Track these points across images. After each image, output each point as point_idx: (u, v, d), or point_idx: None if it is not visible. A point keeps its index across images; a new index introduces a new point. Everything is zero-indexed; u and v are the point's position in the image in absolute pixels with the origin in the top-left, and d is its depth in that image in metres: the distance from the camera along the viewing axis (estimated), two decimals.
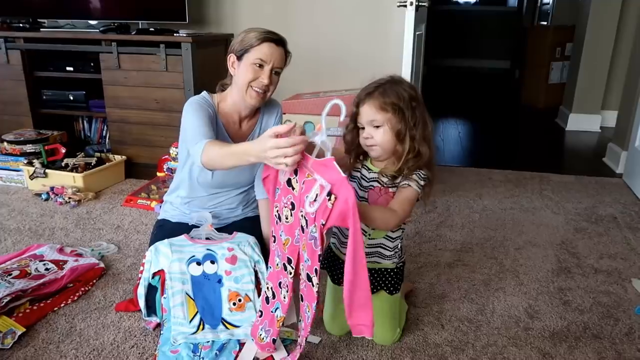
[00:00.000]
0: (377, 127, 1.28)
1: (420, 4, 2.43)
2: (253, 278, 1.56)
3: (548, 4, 5.84)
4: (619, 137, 3.21)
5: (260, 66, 1.58)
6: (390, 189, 1.33)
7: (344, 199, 1.07)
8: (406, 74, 2.44)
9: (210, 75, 2.82)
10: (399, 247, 1.42)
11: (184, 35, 2.65)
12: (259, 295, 1.55)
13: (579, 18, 4.24)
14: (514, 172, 3.08)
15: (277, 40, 1.60)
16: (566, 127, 4.25)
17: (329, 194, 1.10)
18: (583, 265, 1.96)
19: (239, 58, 1.61)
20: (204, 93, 1.70)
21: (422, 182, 1.30)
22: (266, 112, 1.77)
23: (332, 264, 1.49)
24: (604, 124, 4.16)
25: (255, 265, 1.58)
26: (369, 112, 1.28)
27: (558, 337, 1.53)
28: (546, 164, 3.27)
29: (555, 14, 5.58)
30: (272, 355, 1.42)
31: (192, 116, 1.56)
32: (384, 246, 1.40)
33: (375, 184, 1.35)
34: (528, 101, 5.24)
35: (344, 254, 1.41)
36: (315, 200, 1.13)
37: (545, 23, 5.94)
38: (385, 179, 1.33)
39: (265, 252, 1.69)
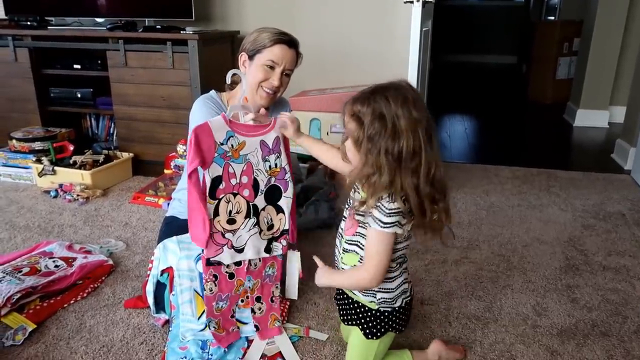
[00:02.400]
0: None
1: (426, 0, 2.42)
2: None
3: None
4: (627, 133, 3.19)
5: (272, 67, 1.59)
6: (356, 216, 1.15)
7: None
8: (413, 70, 2.44)
9: (217, 72, 2.82)
10: (377, 288, 1.20)
11: (191, 32, 2.65)
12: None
13: (587, 13, 4.20)
14: (521, 168, 3.07)
15: (290, 42, 1.60)
16: (574, 123, 4.22)
17: None
18: (591, 263, 1.96)
19: (251, 57, 1.61)
20: (213, 92, 1.71)
21: (386, 219, 1.08)
22: (275, 110, 1.77)
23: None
24: (612, 119, 4.13)
25: None
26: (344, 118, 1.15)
27: (566, 334, 1.53)
28: (554, 161, 3.25)
29: (562, 9, 5.54)
30: (280, 352, 1.42)
31: None
32: None
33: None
34: (535, 97, 5.20)
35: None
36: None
37: (552, 18, 5.90)
38: (356, 197, 1.16)
39: None
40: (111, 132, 3.14)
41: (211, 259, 1.39)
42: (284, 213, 1.49)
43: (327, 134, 2.78)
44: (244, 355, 1.41)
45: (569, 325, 1.57)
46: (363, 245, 1.17)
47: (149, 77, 2.71)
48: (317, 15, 2.97)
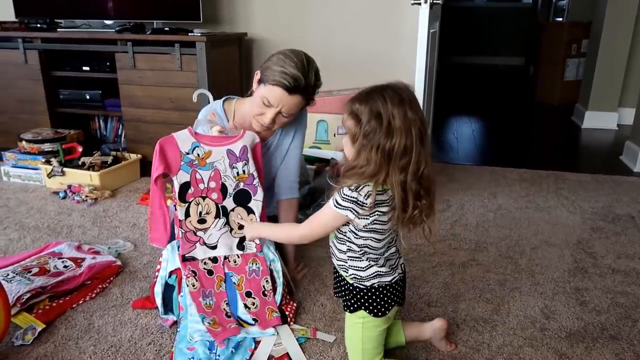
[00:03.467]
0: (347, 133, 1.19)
1: (434, 1, 2.42)
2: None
3: None
4: (636, 135, 3.16)
5: (268, 105, 1.56)
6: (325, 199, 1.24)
7: None
8: (420, 72, 2.43)
9: (224, 74, 2.83)
10: (348, 264, 1.26)
11: (198, 34, 2.67)
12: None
13: (595, 14, 4.18)
14: (529, 170, 3.05)
15: (294, 88, 1.52)
16: (582, 124, 4.19)
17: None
18: (600, 265, 1.94)
19: (259, 81, 1.59)
20: (218, 104, 1.72)
21: (340, 201, 1.16)
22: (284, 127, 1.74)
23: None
24: (621, 121, 4.10)
25: (270, 264, 1.59)
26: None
27: (575, 338, 1.52)
28: (562, 163, 3.23)
29: (570, 10, 5.51)
30: (287, 353, 1.43)
31: None
32: (333, 246, 1.30)
33: None
34: (543, 98, 5.18)
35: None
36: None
37: (560, 19, 5.86)
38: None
39: (281, 251, 1.70)
40: (119, 133, 3.16)
41: (186, 255, 1.50)
42: (254, 214, 1.59)
43: (334, 135, 2.78)
44: (251, 356, 1.41)
45: (578, 328, 1.56)
46: (351, 231, 1.23)
47: (157, 79, 2.73)
48: (325, 17, 2.98)
